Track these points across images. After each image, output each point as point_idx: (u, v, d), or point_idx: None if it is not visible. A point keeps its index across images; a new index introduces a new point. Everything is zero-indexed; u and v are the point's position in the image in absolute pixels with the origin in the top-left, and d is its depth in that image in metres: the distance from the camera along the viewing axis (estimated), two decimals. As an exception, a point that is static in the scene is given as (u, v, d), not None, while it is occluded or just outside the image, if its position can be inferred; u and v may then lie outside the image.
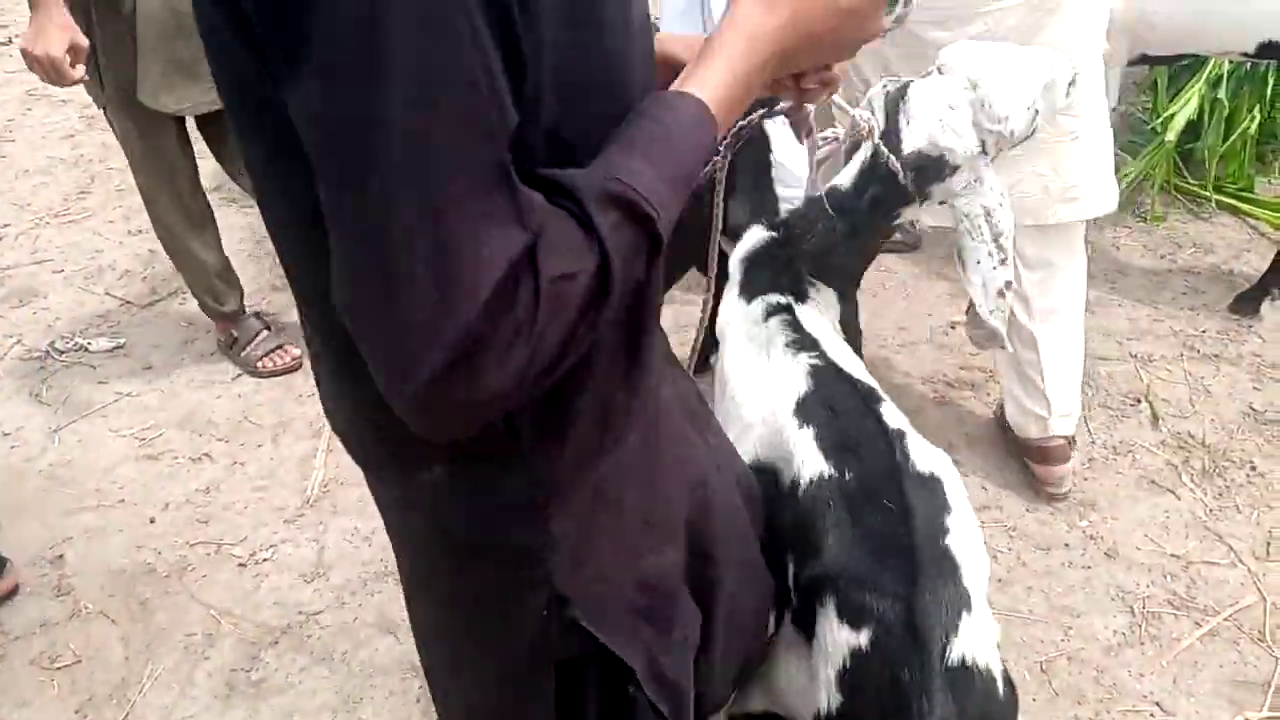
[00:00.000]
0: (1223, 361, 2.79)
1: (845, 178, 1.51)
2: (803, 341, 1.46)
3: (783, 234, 1.57)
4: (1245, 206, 3.47)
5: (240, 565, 2.32)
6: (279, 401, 2.85)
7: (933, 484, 1.28)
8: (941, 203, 1.46)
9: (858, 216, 1.51)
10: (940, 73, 1.42)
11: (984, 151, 1.39)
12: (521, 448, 0.83)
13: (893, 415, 1.37)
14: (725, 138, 1.19)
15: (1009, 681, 1.22)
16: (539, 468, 0.85)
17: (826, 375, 1.41)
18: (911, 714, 1.12)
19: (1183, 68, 3.58)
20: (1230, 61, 3.53)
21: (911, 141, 1.40)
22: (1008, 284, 1.37)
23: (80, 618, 2.21)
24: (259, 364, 2.94)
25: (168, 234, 2.83)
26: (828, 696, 1.20)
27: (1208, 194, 3.52)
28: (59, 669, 2.10)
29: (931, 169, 1.41)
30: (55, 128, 4.51)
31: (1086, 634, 2.05)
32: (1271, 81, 3.55)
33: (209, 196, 2.90)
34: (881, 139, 1.43)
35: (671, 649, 1.00)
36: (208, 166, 3.05)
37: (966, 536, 1.25)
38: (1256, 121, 3.56)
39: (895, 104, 1.42)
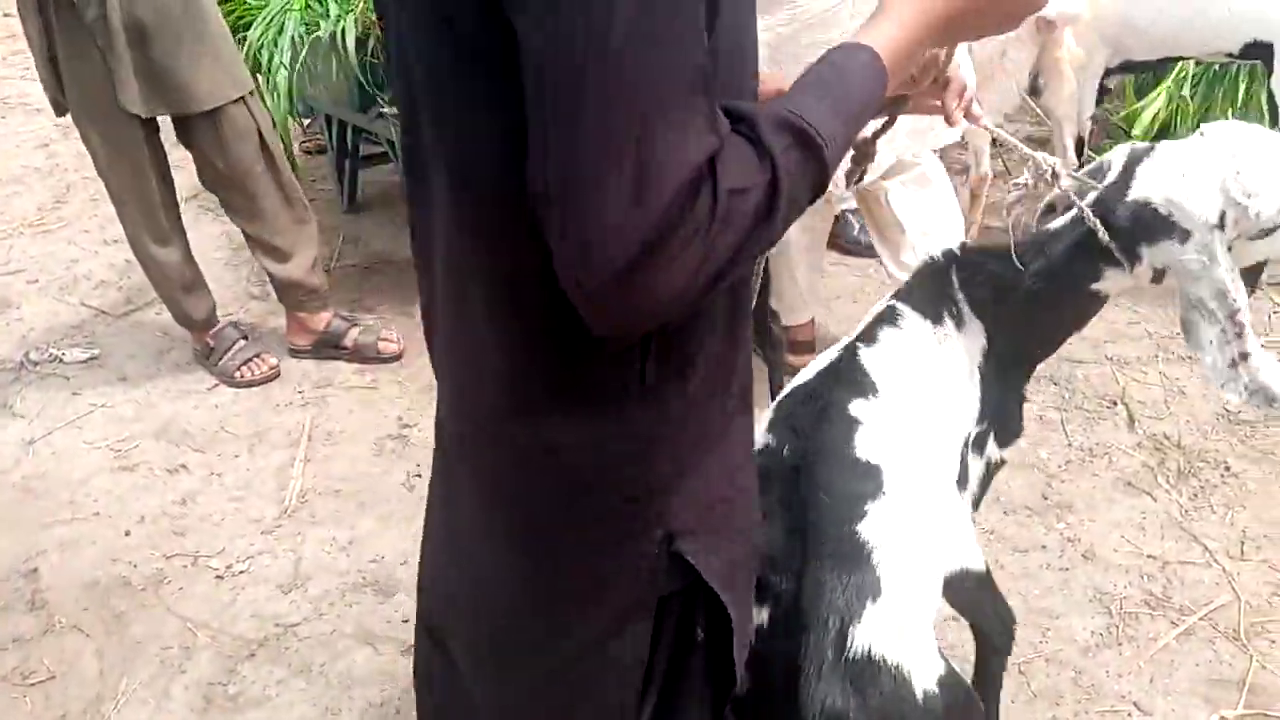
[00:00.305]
0: (1197, 363, 2.81)
1: (1059, 221, 1.42)
2: (855, 340, 1.43)
3: (961, 252, 1.48)
4: (1218, 209, 3.50)
5: (217, 577, 2.30)
6: (256, 411, 2.83)
7: (868, 470, 1.27)
8: (1158, 277, 1.32)
9: (1052, 261, 1.39)
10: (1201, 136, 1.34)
11: (1220, 226, 1.27)
12: (645, 390, 0.88)
13: (864, 407, 1.35)
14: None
15: (951, 688, 1.19)
16: (659, 410, 0.90)
17: (828, 368, 1.40)
18: (800, 696, 1.11)
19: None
20: (1197, 64, 3.57)
21: (1140, 190, 1.30)
22: (1242, 355, 1.28)
23: (54, 632, 2.19)
24: (236, 374, 2.92)
25: (134, 241, 2.81)
26: (740, 681, 1.20)
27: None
28: (32, 685, 2.07)
29: (1154, 225, 1.29)
30: (29, 136, 4.48)
31: (1064, 635, 2.06)
32: (1244, 85, 3.59)
33: (187, 204, 2.89)
34: (1108, 191, 1.34)
35: (746, 604, 1.05)
36: (189, 180, 3.04)
37: (894, 528, 1.23)
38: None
39: (1138, 159, 1.34)
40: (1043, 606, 2.12)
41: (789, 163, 0.75)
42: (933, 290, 1.46)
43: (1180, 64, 3.56)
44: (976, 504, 1.58)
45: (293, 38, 2.96)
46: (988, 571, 1.56)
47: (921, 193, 2.60)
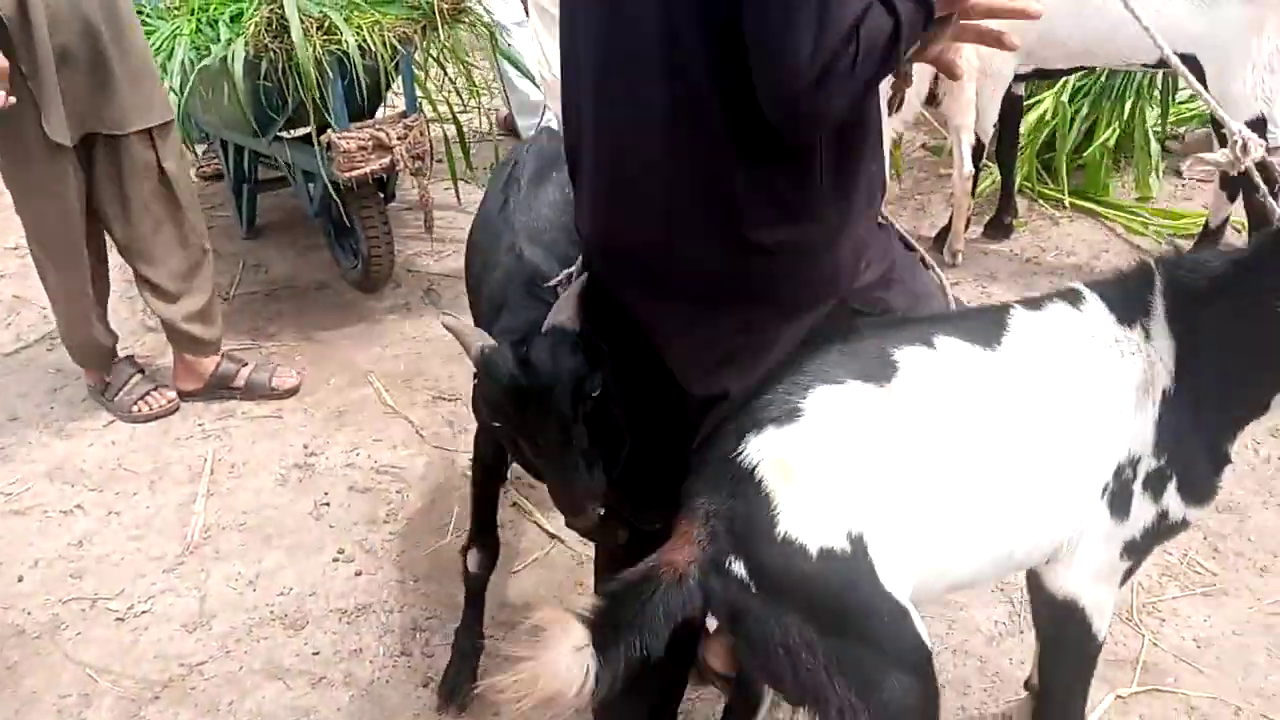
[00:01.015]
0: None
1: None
2: (1020, 301, 1.39)
3: (1171, 256, 1.40)
4: (1102, 210, 3.67)
5: (118, 619, 2.22)
6: (155, 447, 2.74)
7: (881, 362, 1.29)
8: None
9: (1242, 265, 1.30)
10: None
11: None
12: (827, 200, 1.30)
13: (956, 345, 1.34)
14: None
15: (834, 565, 1.17)
16: (838, 215, 1.32)
17: (974, 308, 1.44)
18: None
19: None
20: (1080, 79, 3.73)
21: None
22: None
23: (-59, 688, 2.08)
24: (134, 408, 2.83)
25: (49, 277, 2.71)
26: None
27: (1062, 197, 3.71)
28: (-83, 745, 1.97)
29: None
30: (-94, 170, 4.27)
31: (969, 626, 2.12)
32: (1129, 101, 3.78)
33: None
34: None
35: None
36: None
37: (864, 408, 1.26)
38: (1115, 134, 3.78)
39: None
40: (947, 599, 2.17)
41: (907, 11, 1.15)
42: (1132, 291, 1.40)
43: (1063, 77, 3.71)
44: (1135, 556, 1.46)
45: (183, 62, 2.89)
46: (1089, 630, 1.48)
47: None
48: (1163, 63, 2.98)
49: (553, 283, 1.62)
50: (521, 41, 3.88)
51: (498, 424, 1.56)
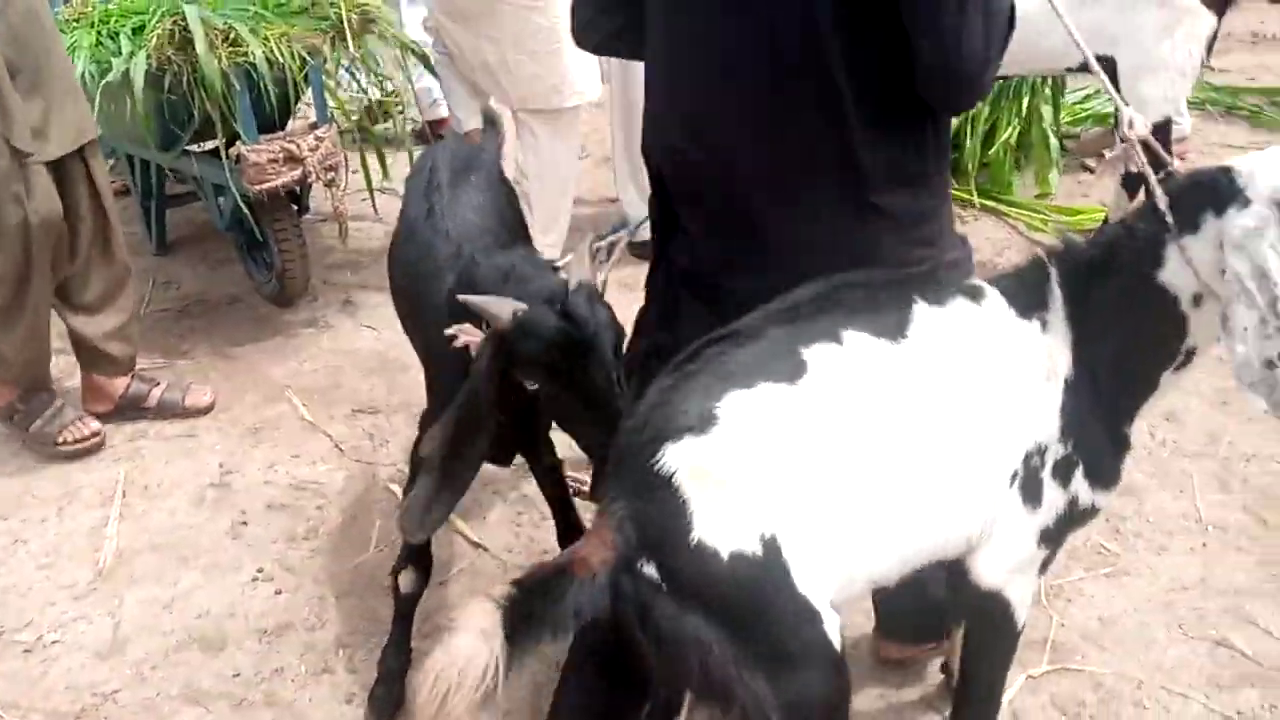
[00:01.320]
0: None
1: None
2: (923, 296, 1.40)
3: (1065, 245, 1.46)
4: (1005, 208, 3.80)
5: (25, 651, 2.15)
6: (63, 472, 2.66)
7: (791, 362, 1.30)
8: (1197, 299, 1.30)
9: (1119, 241, 1.36)
10: None
11: None
12: (932, 173, 1.53)
13: (861, 340, 1.35)
14: None
15: (748, 569, 1.18)
16: (938, 187, 1.57)
17: (879, 303, 1.40)
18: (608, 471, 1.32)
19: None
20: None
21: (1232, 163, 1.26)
22: None
23: None
24: (59, 438, 2.68)
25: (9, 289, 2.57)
26: None
27: (971, 197, 3.83)
28: None
29: (1216, 189, 1.27)
30: None
31: (885, 615, 2.17)
32: (1026, 98, 3.92)
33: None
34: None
35: None
36: None
37: (776, 410, 1.26)
38: (1015, 132, 3.91)
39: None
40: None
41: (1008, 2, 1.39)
42: (1028, 284, 1.44)
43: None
44: (1051, 544, 1.49)
45: (83, 76, 2.81)
46: (1012, 619, 1.50)
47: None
48: (1085, 66, 3.11)
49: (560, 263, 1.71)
50: (410, 19, 3.85)
51: (536, 385, 1.58)
